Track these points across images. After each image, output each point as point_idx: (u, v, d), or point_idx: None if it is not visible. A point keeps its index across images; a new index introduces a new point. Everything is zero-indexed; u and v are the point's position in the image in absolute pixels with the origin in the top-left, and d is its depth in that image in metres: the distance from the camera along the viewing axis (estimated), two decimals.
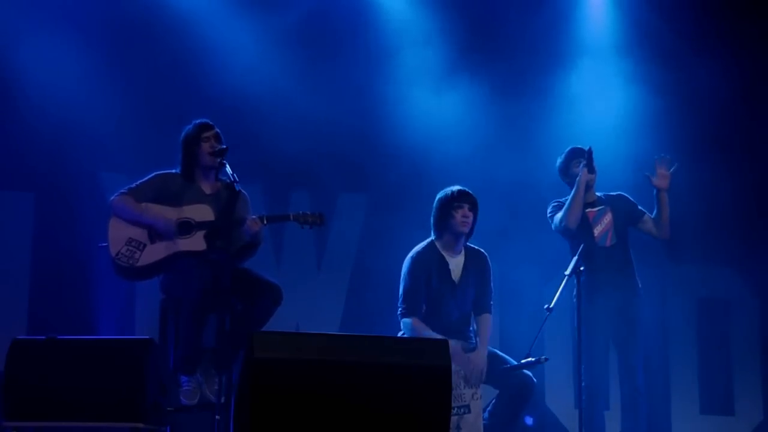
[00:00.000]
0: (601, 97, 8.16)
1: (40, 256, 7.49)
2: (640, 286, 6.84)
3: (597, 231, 6.75)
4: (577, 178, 6.71)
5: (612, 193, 6.96)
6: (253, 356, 4.30)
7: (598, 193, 6.89)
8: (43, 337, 5.46)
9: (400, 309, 6.30)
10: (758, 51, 8.24)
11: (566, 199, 6.81)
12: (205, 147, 6.11)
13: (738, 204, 8.17)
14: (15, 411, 5.29)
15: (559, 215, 6.78)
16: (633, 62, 8.25)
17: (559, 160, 6.94)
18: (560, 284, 6.27)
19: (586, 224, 6.75)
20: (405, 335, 6.23)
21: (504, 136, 7.97)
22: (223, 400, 5.63)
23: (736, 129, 8.25)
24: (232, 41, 7.73)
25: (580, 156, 6.79)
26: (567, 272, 6.29)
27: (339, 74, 7.91)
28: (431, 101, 8.00)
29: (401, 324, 6.30)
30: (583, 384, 6.56)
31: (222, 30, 7.74)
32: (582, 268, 6.29)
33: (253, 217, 6.04)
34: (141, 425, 5.31)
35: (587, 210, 6.77)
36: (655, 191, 6.80)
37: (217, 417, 5.62)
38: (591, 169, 6.70)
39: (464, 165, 7.62)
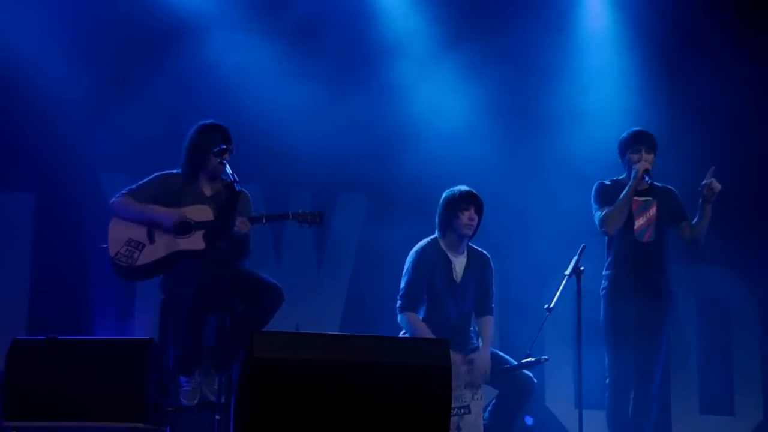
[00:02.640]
0: (605, 94, 8.15)
1: (40, 256, 7.48)
2: (671, 289, 6.65)
3: (638, 223, 6.48)
4: (633, 174, 6.43)
5: (661, 185, 6.68)
6: (253, 356, 4.30)
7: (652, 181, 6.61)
8: (43, 337, 5.45)
9: (399, 302, 6.29)
10: (760, 52, 8.24)
11: (612, 182, 6.60)
12: (215, 161, 6.03)
13: (738, 204, 8.15)
14: (15, 411, 5.28)
15: (600, 215, 6.53)
16: (636, 60, 8.24)
17: (621, 137, 6.61)
18: (560, 284, 6.28)
19: (627, 213, 6.49)
20: (404, 331, 6.23)
21: (505, 136, 7.96)
22: (223, 400, 5.64)
23: (736, 128, 8.24)
24: (232, 41, 7.72)
25: (639, 143, 6.51)
26: (567, 272, 6.28)
27: (339, 73, 7.89)
28: (432, 100, 7.98)
29: (398, 318, 6.29)
30: (607, 380, 6.49)
31: (222, 30, 7.74)
32: (582, 268, 6.28)
33: (244, 218, 5.97)
34: (141, 425, 5.30)
35: (633, 198, 6.48)
36: (700, 200, 6.49)
37: (217, 417, 5.63)
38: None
39: (465, 164, 7.60)
